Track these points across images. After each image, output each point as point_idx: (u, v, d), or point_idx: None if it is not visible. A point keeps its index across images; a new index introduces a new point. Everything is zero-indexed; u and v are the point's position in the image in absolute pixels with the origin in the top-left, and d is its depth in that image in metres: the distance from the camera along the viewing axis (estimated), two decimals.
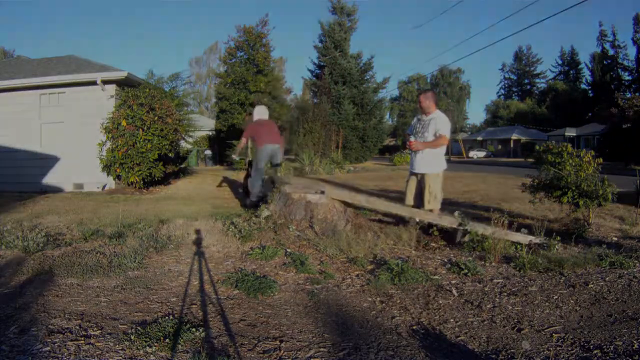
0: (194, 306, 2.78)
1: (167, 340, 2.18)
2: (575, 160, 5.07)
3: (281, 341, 2.32)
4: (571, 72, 55.95)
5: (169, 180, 10.60)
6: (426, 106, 4.55)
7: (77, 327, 2.36)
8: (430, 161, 4.58)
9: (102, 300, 2.83)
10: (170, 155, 10.07)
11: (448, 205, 5.67)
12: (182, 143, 12.21)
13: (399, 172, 17.77)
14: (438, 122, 4.49)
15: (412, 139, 4.73)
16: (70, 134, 9.95)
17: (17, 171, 9.91)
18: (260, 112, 6.43)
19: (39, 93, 10.07)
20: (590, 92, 48.81)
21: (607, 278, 3.26)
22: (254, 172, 6.03)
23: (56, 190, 9.60)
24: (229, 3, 78.51)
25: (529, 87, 61.93)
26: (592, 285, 3.12)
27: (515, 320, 2.61)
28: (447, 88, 55.89)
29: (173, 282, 3.25)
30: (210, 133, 24.30)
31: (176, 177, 11.50)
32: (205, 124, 24.57)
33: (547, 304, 2.85)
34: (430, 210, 4.61)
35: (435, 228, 4.47)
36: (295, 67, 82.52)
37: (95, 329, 2.35)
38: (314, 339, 2.37)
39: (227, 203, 7.48)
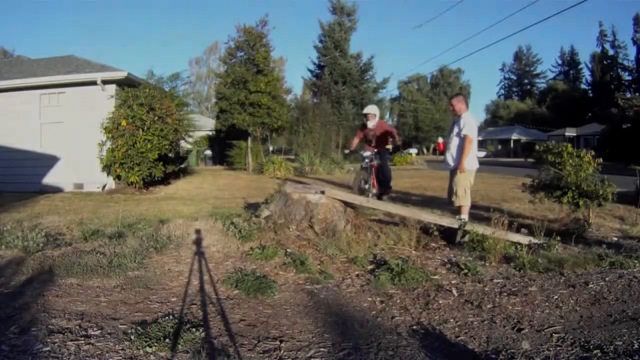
0: (194, 306, 2.78)
1: (167, 340, 2.18)
2: (575, 160, 5.06)
3: (281, 341, 2.32)
4: (571, 72, 55.93)
5: (169, 180, 10.60)
6: (457, 109, 4.83)
7: (77, 327, 2.36)
8: (456, 158, 4.77)
9: (102, 300, 2.83)
10: (170, 155, 10.07)
11: (447, 205, 5.67)
12: (182, 143, 12.21)
13: (399, 172, 17.76)
14: (461, 123, 4.72)
15: (440, 140, 5.25)
16: (70, 134, 9.95)
17: (17, 171, 9.91)
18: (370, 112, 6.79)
19: (39, 93, 10.07)
20: (590, 92, 48.80)
21: (607, 278, 3.26)
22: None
23: (56, 190, 9.59)
24: (229, 3, 78.50)
25: (529, 87, 61.88)
26: (592, 285, 3.12)
27: (515, 320, 2.61)
28: (447, 88, 55.81)
29: (173, 282, 3.25)
30: (210, 133, 24.31)
31: (176, 177, 11.49)
32: (205, 124, 24.59)
33: (547, 304, 2.85)
34: (459, 206, 4.76)
35: (435, 228, 4.47)
36: (295, 67, 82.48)
37: (95, 329, 2.35)
38: (314, 339, 2.37)
39: (227, 203, 7.47)
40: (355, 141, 6.92)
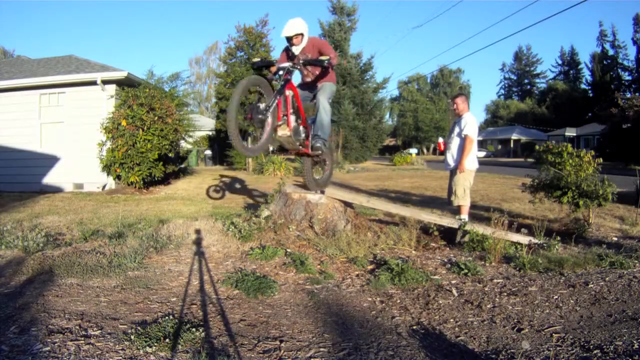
0: (194, 306, 2.78)
1: (167, 340, 2.17)
2: (575, 160, 5.07)
3: (281, 341, 2.32)
4: (571, 72, 56.00)
5: (169, 180, 10.60)
6: (460, 108, 4.85)
7: (77, 327, 2.36)
8: (456, 158, 4.79)
9: (102, 300, 2.83)
10: (170, 155, 10.06)
11: (447, 205, 5.67)
12: (182, 143, 12.20)
13: (399, 172, 17.79)
14: (462, 123, 4.74)
15: (440, 139, 5.38)
16: (70, 134, 9.96)
17: (17, 171, 9.91)
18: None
19: (39, 93, 10.07)
20: (590, 92, 48.82)
21: (607, 278, 3.26)
22: None
23: (56, 190, 9.60)
24: (229, 3, 78.56)
25: (529, 87, 61.98)
26: (592, 285, 3.12)
27: (515, 320, 2.61)
28: (447, 88, 55.88)
29: (173, 282, 3.25)
30: (210, 133, 24.31)
31: (176, 177, 11.49)
32: (205, 124, 24.58)
33: (547, 304, 2.85)
34: (459, 206, 4.76)
35: (435, 228, 4.47)
36: None
37: (95, 329, 2.35)
38: (314, 339, 2.37)
39: (227, 203, 7.47)
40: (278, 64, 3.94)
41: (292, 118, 3.88)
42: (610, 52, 47.24)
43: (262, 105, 3.48)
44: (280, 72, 3.71)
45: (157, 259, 3.82)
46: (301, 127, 4.06)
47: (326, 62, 3.74)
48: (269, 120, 3.55)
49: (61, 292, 2.96)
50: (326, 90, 4.19)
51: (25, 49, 56.67)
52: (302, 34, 3.99)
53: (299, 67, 3.82)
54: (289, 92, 3.81)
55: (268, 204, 5.03)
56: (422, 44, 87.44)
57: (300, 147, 4.13)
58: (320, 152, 4.13)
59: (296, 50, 4.04)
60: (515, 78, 64.34)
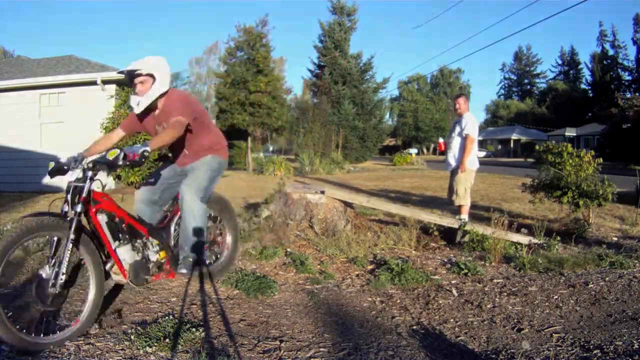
0: (194, 306, 2.78)
1: (167, 340, 2.17)
2: (575, 160, 5.08)
3: (281, 341, 2.32)
4: (571, 72, 56.00)
5: None
6: (462, 108, 4.87)
7: None
8: (458, 158, 4.79)
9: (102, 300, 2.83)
10: (170, 155, 10.05)
11: (447, 205, 5.68)
12: None
13: (399, 172, 17.78)
14: (463, 123, 4.75)
15: (440, 140, 5.44)
16: (70, 134, 9.93)
17: (17, 171, 9.91)
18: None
19: (39, 93, 10.07)
20: (590, 92, 48.81)
21: (607, 278, 3.26)
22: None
23: (56, 190, 9.57)
24: (229, 3, 78.56)
25: (529, 87, 61.97)
26: (592, 285, 3.12)
27: (515, 320, 2.61)
28: (447, 88, 55.89)
29: (173, 282, 3.24)
30: None
31: None
32: None
33: (547, 304, 2.85)
34: (459, 206, 4.75)
35: (435, 228, 4.47)
36: (295, 67, 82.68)
37: (95, 328, 2.35)
38: (314, 339, 2.37)
39: None
40: (115, 136, 3.00)
41: (125, 250, 2.47)
42: (610, 52, 47.24)
43: (46, 273, 2.19)
44: (82, 175, 2.28)
45: None
46: (150, 242, 2.64)
47: (116, 158, 2.17)
48: (90, 293, 2.22)
49: None
50: (197, 176, 2.75)
51: (25, 49, 56.65)
52: (151, 76, 2.50)
53: (94, 172, 2.28)
54: (100, 218, 2.38)
55: (268, 203, 5.03)
56: (422, 44, 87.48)
57: (162, 274, 2.69)
58: (189, 275, 2.68)
59: (137, 105, 2.54)
60: (515, 78, 64.31)
